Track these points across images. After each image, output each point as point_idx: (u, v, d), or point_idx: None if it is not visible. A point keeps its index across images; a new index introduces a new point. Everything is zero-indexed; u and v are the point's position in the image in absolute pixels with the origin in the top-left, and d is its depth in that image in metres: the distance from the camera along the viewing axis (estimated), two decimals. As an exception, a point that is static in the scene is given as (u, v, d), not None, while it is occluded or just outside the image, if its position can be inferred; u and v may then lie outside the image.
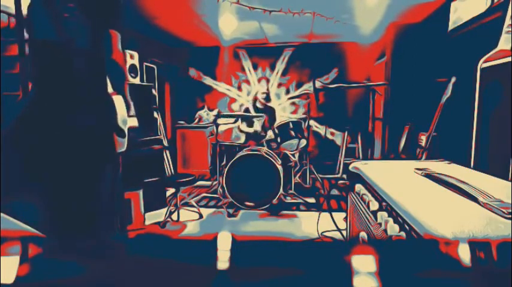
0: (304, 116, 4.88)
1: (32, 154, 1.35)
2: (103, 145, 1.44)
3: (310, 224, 3.36)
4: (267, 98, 4.92)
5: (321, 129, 6.60)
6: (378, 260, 0.51)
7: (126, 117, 1.51)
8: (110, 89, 1.47)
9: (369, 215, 1.22)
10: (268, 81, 6.74)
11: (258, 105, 4.87)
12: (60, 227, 1.33)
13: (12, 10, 2.85)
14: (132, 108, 1.57)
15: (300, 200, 4.16)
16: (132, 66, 3.77)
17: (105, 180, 1.45)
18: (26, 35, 2.88)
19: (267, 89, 5.01)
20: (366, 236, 1.26)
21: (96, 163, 1.42)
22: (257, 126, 4.51)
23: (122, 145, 1.51)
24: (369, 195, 1.28)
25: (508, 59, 1.87)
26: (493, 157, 2.00)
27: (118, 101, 1.47)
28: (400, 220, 0.96)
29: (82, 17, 1.34)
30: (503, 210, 0.80)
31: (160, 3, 4.12)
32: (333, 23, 4.71)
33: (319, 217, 2.96)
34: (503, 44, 2.04)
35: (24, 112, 1.42)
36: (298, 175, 4.73)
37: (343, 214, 1.95)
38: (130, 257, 0.53)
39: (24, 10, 2.97)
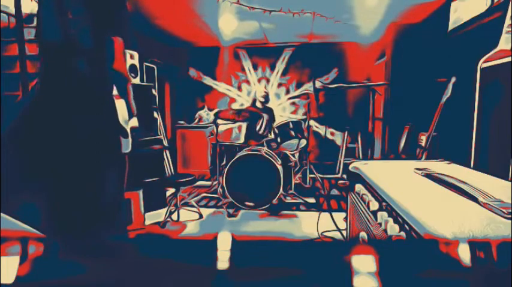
0: (304, 116, 4.87)
1: (33, 154, 1.36)
2: (107, 145, 1.45)
3: (310, 224, 3.36)
4: (266, 99, 4.92)
5: (321, 130, 6.59)
6: (378, 260, 0.51)
7: (127, 119, 1.52)
8: (114, 92, 1.50)
9: (369, 215, 1.22)
10: (268, 81, 6.74)
11: (258, 105, 4.88)
12: (60, 227, 1.33)
13: (12, 10, 2.86)
14: (135, 109, 1.58)
15: (300, 200, 4.16)
16: (132, 66, 3.77)
17: (109, 180, 1.45)
18: (26, 35, 2.88)
19: (266, 90, 5.02)
20: (366, 236, 1.26)
21: (99, 163, 1.42)
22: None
23: (126, 145, 1.53)
24: (369, 195, 1.28)
25: (508, 59, 1.87)
26: (493, 157, 2.00)
27: (120, 103, 1.50)
28: (400, 220, 0.96)
29: (86, 20, 1.35)
30: (503, 210, 0.80)
31: (160, 3, 4.12)
32: (333, 23, 4.70)
33: (319, 217, 2.96)
34: (503, 44, 2.04)
35: (26, 112, 1.42)
36: (298, 175, 4.73)
37: (343, 214, 1.95)
38: (130, 257, 0.53)
39: (26, 10, 2.98)
